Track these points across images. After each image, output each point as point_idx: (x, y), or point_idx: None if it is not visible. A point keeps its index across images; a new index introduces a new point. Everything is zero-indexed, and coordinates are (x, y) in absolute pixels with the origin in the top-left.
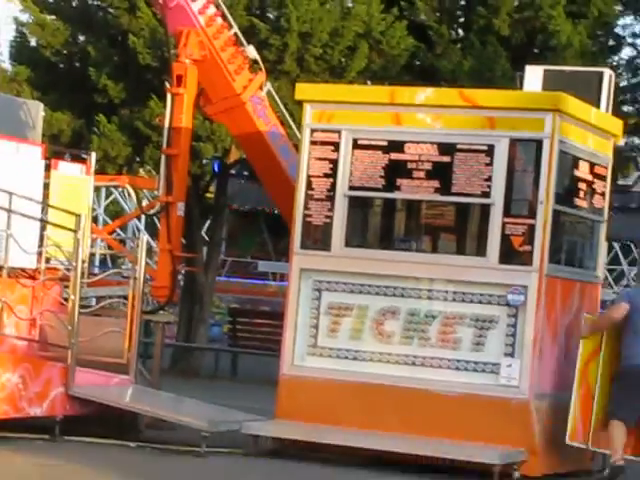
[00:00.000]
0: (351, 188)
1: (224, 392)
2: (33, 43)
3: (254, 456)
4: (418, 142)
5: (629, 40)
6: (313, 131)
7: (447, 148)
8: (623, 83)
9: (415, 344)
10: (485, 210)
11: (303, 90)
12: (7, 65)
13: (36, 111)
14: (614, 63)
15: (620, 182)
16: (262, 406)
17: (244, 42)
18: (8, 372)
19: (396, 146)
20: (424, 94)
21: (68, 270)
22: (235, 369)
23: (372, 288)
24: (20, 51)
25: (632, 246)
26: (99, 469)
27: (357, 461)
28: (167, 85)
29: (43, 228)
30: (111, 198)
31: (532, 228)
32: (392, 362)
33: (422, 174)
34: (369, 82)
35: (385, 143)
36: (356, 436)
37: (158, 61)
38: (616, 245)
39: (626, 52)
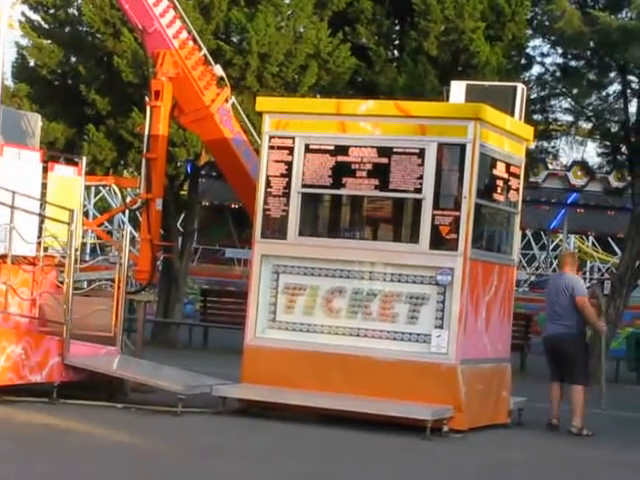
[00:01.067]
0: (304, 186)
1: (197, 360)
2: (32, 63)
3: (223, 415)
4: (360, 146)
5: (538, 59)
6: (271, 137)
7: (385, 151)
8: (533, 96)
9: (359, 318)
10: (417, 204)
11: (262, 103)
12: (9, 82)
13: (35, 122)
14: (526, 79)
15: (532, 179)
16: (229, 372)
17: (212, 62)
18: (12, 345)
19: (342, 150)
20: (365, 105)
21: (63, 257)
22: (206, 341)
23: (322, 271)
24: (21, 70)
25: (542, 234)
26: (91, 426)
27: (311, 418)
28: (147, 99)
29: (41, 221)
30: (100, 195)
31: (457, 219)
32: (340, 334)
33: (364, 174)
34: (318, 95)
35: (332, 147)
36: (310, 397)
37: (139, 78)
38: (528, 233)
39: (536, 69)
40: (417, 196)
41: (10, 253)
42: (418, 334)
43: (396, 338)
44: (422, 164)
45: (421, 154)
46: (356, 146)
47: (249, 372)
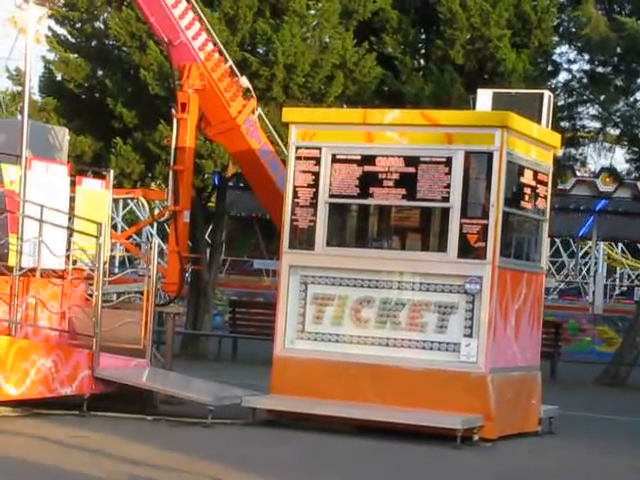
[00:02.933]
0: (331, 196)
1: (226, 372)
2: (59, 77)
3: (252, 426)
4: (387, 156)
5: (565, 66)
6: (298, 148)
7: (412, 160)
8: (560, 102)
9: (388, 328)
10: (445, 213)
11: (289, 113)
12: (37, 97)
13: (62, 136)
14: (552, 86)
15: (560, 187)
16: (259, 383)
17: (238, 73)
18: (42, 358)
19: (368, 160)
20: (392, 115)
21: (92, 270)
22: (235, 352)
23: (350, 281)
24: (48, 84)
25: (571, 241)
26: (121, 438)
27: (340, 429)
28: (173, 111)
29: (70, 235)
30: (127, 208)
31: (485, 227)
32: (368, 343)
33: (391, 183)
34: (345, 106)
35: (359, 157)
36: (338, 407)
37: (165, 91)
38: (557, 240)
39: (562, 76)
40: (445, 205)
41: (39, 267)
42: (447, 343)
43: (425, 347)
44: (449, 173)
45: (448, 163)
46: (383, 156)
47: (278, 383)
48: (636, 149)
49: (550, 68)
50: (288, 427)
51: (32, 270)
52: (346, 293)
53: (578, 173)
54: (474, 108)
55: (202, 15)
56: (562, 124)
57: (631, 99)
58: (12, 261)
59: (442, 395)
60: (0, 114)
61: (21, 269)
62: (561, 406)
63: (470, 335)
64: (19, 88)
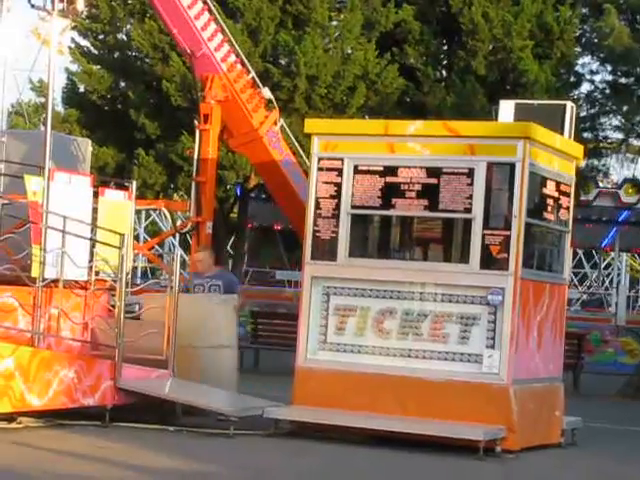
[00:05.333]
0: (353, 207)
1: (248, 383)
2: (82, 89)
3: (275, 436)
4: (409, 167)
5: (587, 77)
6: (320, 159)
7: (434, 171)
8: (583, 113)
9: (410, 339)
10: (467, 224)
11: (311, 124)
12: (60, 108)
13: (85, 147)
14: (575, 96)
15: (582, 198)
16: (281, 394)
17: (260, 84)
18: (65, 369)
19: (391, 171)
20: (414, 126)
21: (114, 281)
22: (257, 363)
23: (372, 292)
24: (71, 96)
25: (593, 252)
26: (144, 449)
27: (362, 440)
28: (196, 122)
29: (92, 246)
30: (150, 219)
31: (508, 238)
32: (391, 355)
33: (413, 194)
34: (367, 116)
35: (381, 168)
36: (360, 418)
37: (188, 102)
38: (580, 251)
39: (585, 87)
40: (467, 216)
41: (62, 277)
42: (469, 354)
43: (447, 358)
44: (472, 184)
45: (470, 174)
46: (405, 167)
47: (300, 394)
48: None
49: (573, 79)
50: (310, 438)
51: (55, 281)
52: (368, 304)
53: (600, 184)
54: (496, 119)
55: (224, 26)
56: (585, 135)
57: None
58: (35, 272)
59: (464, 406)
60: (23, 125)
61: (44, 280)
62: (584, 418)
63: (492, 346)
64: (42, 99)
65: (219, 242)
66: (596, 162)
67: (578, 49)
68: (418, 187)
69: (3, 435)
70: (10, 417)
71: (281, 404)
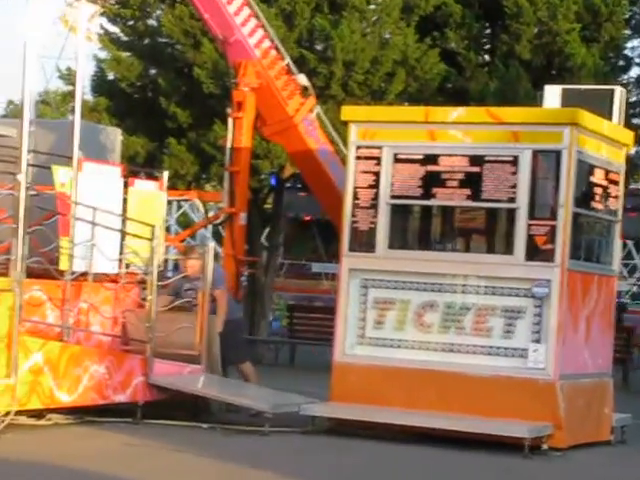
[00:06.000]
0: (392, 197)
1: (284, 379)
2: (111, 77)
3: (312, 434)
4: (451, 155)
5: (637, 60)
6: (358, 148)
7: (477, 160)
8: (632, 99)
9: (452, 333)
10: (511, 214)
11: (348, 112)
12: (89, 96)
13: (115, 136)
14: (624, 81)
15: (632, 186)
16: (318, 390)
17: (295, 71)
18: (95, 364)
19: (431, 159)
20: (455, 113)
21: (145, 274)
22: (293, 358)
23: (413, 284)
24: (100, 84)
25: None
26: (176, 447)
27: (402, 437)
28: (229, 110)
29: (123, 238)
30: (181, 210)
31: (554, 229)
32: (432, 349)
33: (455, 183)
34: (406, 103)
35: (422, 157)
36: (401, 415)
37: (220, 89)
38: (629, 242)
39: (635, 71)
40: (511, 205)
41: (91, 271)
42: (514, 349)
43: (491, 353)
44: (516, 172)
45: (515, 162)
46: (446, 155)
47: (338, 390)
48: None
49: (621, 63)
50: (348, 435)
51: (84, 274)
52: (408, 297)
53: None
54: (541, 105)
55: (258, 11)
56: (635, 121)
57: None
58: (64, 265)
59: (508, 403)
60: (51, 115)
61: (73, 273)
62: (634, 414)
63: (538, 340)
64: (70, 88)
65: (253, 233)
66: None
67: (627, 31)
68: (460, 176)
69: (32, 432)
70: (39, 414)
71: (318, 400)
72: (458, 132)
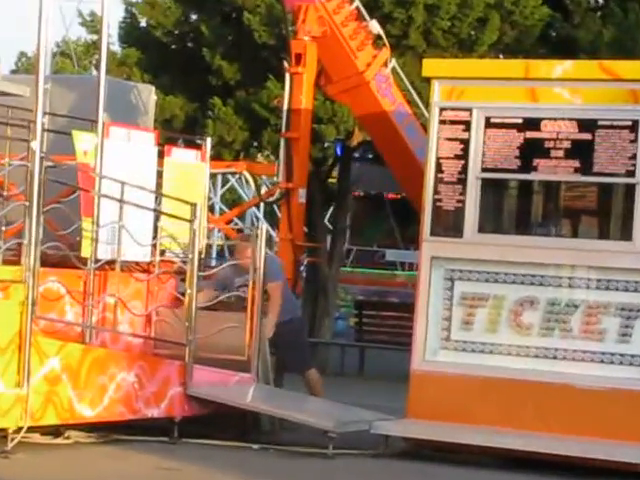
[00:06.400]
0: (484, 170)
1: (351, 389)
2: (143, 24)
3: (385, 457)
4: (556, 119)
5: None
6: (442, 110)
7: (587, 125)
8: None
9: (556, 336)
10: (630, 190)
11: (430, 66)
12: (116, 47)
13: (147, 95)
14: None
15: None
16: (392, 404)
17: (366, 16)
18: (123, 371)
19: (532, 124)
20: (561, 67)
21: (184, 263)
22: (362, 365)
23: (508, 276)
24: (129, 32)
25: None
26: (220, 472)
27: (495, 461)
28: (285, 64)
29: (157, 219)
30: (228, 186)
31: None
32: (531, 355)
33: (560, 153)
34: (501, 56)
35: (520, 121)
36: (492, 435)
37: (275, 39)
38: None
39: None
40: (629, 180)
41: (119, 258)
42: (632, 356)
43: (604, 361)
44: (635, 140)
45: (634, 127)
46: (550, 119)
47: (417, 404)
48: None
49: None
50: (429, 459)
51: (110, 262)
52: (503, 292)
53: None
54: None
55: None
56: None
57: None
58: (86, 252)
59: (625, 421)
60: (71, 69)
61: (97, 261)
62: None
63: None
64: (94, 37)
65: (314, 214)
66: None
67: None
68: (567, 144)
69: (47, 453)
70: (56, 430)
71: (392, 417)
72: (564, 91)
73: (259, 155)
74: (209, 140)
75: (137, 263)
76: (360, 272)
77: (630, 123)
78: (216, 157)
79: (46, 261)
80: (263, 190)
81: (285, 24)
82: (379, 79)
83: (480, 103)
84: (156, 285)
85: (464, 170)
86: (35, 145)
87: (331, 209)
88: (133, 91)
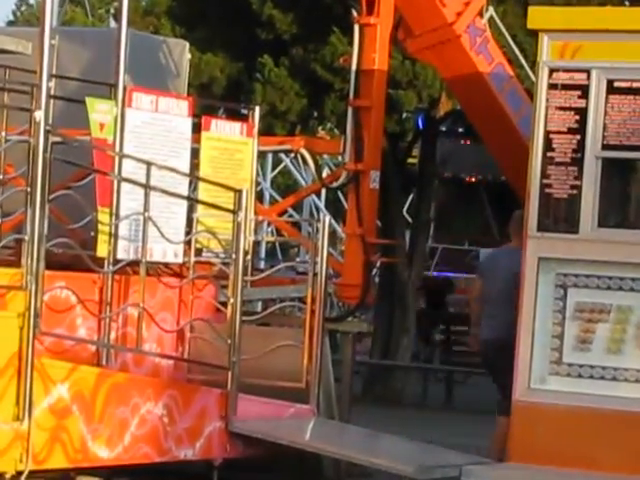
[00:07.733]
0: (605, 147)
1: (436, 425)
2: None
3: None
4: None
5: None
6: (552, 71)
7: None
8: None
9: None
10: None
11: (538, 16)
12: None
13: (180, 53)
14: None
15: None
16: (487, 444)
17: None
18: (149, 402)
19: None
20: None
21: (225, 265)
22: (450, 393)
23: (636, 283)
24: None
25: None
26: None
27: None
28: (354, 14)
29: (191, 209)
30: (280, 167)
31: None
32: None
33: None
34: (627, 3)
35: None
36: None
37: None
38: None
39: None
40: None
41: (144, 259)
42: None
43: None
44: None
45: None
46: None
47: (520, 444)
48: None
49: None
50: None
51: (133, 264)
52: (629, 302)
53: None
54: None
55: None
56: None
57: None
58: (102, 250)
59: None
60: (84, 21)
61: (116, 263)
62: None
63: None
64: None
65: (390, 203)
66: None
67: None
68: None
69: None
70: (65, 476)
71: (488, 460)
72: None
73: (320, 129)
74: (257, 109)
75: (167, 265)
76: (448, 276)
77: None
78: (266, 131)
79: (52, 262)
80: (325, 173)
81: None
82: (473, 33)
83: (601, 62)
84: (190, 293)
85: (580, 147)
86: (39, 115)
87: (411, 197)
88: (162, 48)
